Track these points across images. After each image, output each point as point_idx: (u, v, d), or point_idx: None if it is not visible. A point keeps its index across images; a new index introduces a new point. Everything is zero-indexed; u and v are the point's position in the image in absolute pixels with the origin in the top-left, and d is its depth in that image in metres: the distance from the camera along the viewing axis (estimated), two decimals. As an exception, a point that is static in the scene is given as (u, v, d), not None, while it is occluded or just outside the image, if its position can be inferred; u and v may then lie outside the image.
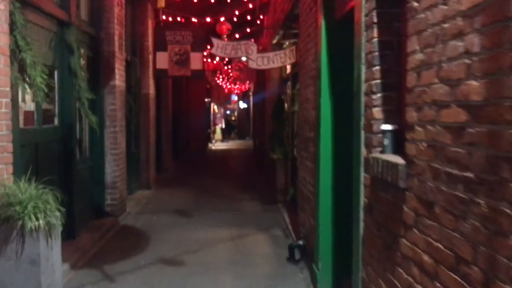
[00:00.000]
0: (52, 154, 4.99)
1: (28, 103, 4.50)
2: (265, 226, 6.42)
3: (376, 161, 2.41)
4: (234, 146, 24.23)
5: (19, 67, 3.87)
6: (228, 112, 39.43)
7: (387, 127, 2.46)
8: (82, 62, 5.72)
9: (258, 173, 11.50)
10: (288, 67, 8.68)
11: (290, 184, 7.74)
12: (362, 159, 2.73)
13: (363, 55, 2.71)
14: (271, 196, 8.17)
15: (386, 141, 2.46)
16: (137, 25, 8.74)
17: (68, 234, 5.16)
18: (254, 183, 10.11)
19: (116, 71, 6.39)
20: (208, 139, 21.85)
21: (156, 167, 10.29)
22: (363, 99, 2.72)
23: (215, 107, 29.06)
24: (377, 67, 2.56)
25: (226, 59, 15.63)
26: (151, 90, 9.15)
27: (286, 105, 8.77)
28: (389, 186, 2.26)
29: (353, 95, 2.90)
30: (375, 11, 2.55)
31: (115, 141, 6.42)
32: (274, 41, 8.53)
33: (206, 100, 20.85)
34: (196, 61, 9.25)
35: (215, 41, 6.60)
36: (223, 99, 30.24)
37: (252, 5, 8.96)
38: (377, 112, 2.57)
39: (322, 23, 3.96)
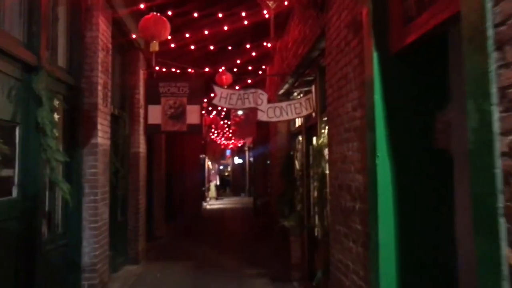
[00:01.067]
0: (6, 236, 3.75)
1: (-28, 171, 3.34)
2: (283, 317, 5.08)
3: None
4: (230, 204, 22.85)
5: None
6: (221, 167, 38.33)
7: None
8: (56, 116, 4.63)
9: (263, 239, 10.15)
10: (298, 120, 7.67)
11: (307, 259, 6.46)
12: (505, 268, 1.56)
13: (492, 90, 1.62)
14: (284, 272, 6.86)
15: None
16: (127, 76, 7.77)
17: None
18: (260, 253, 8.77)
19: (99, 126, 5.29)
20: (203, 197, 20.54)
21: (147, 235, 8.95)
22: (499, 163, 1.59)
23: (209, 163, 27.93)
24: (534, 109, 1.46)
25: (224, 113, 14.72)
26: (142, 148, 8.03)
27: (297, 163, 7.67)
28: None
29: (469, 155, 1.78)
30: (523, 14, 1.49)
31: (96, 211, 5.19)
32: (281, 91, 7.57)
33: (201, 156, 19.78)
34: (192, 114, 8.22)
35: (218, 90, 5.58)
36: (219, 154, 29.22)
37: (255, 53, 8.08)
38: (543, 188, 1.43)
39: (374, 57, 2.93)
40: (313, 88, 6.14)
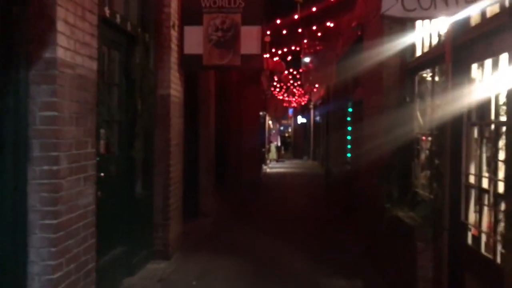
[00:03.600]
0: None
1: None
2: None
3: None
4: (293, 169, 20.21)
5: None
6: (281, 128, 35.60)
7: None
8: None
9: (345, 225, 7.36)
10: (423, 43, 4.67)
11: (447, 280, 3.62)
12: None
13: None
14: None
15: None
16: (151, -23, 5.08)
17: None
18: (345, 248, 6.00)
19: (60, 26, 2.64)
20: (263, 161, 18.01)
21: (187, 214, 6.53)
22: None
23: (270, 122, 25.27)
24: None
25: (290, 57, 11.76)
26: (174, 91, 5.41)
27: (419, 115, 4.72)
28: None
29: None
30: None
31: (56, 195, 2.63)
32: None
33: (261, 113, 17.08)
34: (249, 40, 5.41)
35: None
36: (280, 112, 26.41)
37: None
38: None
39: None
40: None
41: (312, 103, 23.79)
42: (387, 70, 5.13)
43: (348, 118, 9.76)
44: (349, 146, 9.67)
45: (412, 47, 4.94)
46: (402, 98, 4.95)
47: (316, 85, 15.39)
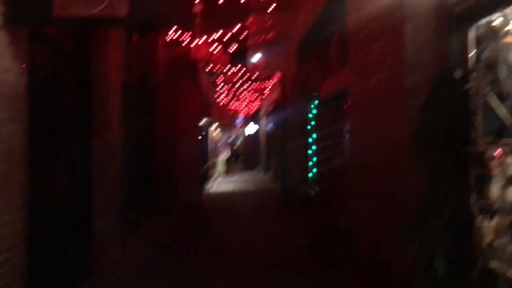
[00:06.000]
0: None
1: None
2: None
3: None
4: (245, 184, 17.55)
5: None
6: (233, 137, 32.91)
7: None
8: None
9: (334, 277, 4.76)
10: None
11: None
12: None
13: None
14: None
15: None
16: None
17: None
18: None
19: None
20: (205, 178, 15.31)
21: (71, 275, 3.77)
22: None
23: (218, 131, 22.60)
24: None
25: (234, 47, 9.25)
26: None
27: (492, 103, 2.25)
28: None
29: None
30: None
31: None
32: None
33: (204, 120, 14.43)
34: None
35: None
36: (227, 120, 23.82)
37: None
38: None
39: None
40: None
41: (263, 110, 21.41)
42: (412, 23, 2.68)
43: (312, 122, 7.35)
44: (312, 161, 7.25)
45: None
46: (446, 73, 2.52)
47: (268, 86, 12.90)
